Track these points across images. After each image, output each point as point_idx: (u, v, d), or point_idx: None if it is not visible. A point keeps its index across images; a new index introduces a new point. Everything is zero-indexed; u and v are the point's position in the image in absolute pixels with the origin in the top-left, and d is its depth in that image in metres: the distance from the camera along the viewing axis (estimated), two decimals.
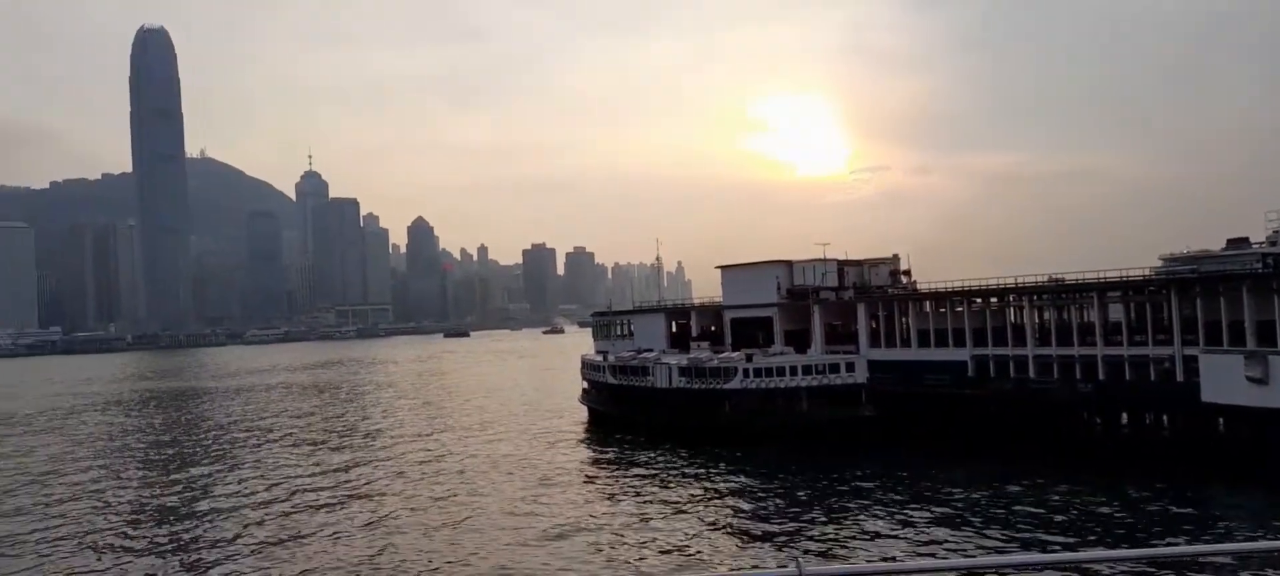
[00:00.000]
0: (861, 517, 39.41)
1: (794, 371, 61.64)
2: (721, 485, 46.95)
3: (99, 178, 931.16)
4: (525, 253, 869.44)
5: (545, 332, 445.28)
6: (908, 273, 75.91)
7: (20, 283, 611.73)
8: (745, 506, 42.68)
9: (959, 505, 40.39)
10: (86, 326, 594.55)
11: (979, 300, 61.29)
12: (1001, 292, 61.58)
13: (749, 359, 63.31)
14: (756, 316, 71.13)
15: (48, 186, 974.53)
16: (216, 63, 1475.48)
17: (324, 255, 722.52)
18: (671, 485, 47.24)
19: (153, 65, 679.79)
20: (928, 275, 74.66)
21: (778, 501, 43.27)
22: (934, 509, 39.95)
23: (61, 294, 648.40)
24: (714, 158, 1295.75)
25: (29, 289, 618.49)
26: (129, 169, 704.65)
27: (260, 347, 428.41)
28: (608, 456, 58.06)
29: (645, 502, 43.57)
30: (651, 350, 73.24)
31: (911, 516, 38.96)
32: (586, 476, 51.50)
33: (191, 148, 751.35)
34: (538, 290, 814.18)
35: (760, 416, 60.62)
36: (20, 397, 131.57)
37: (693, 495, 44.82)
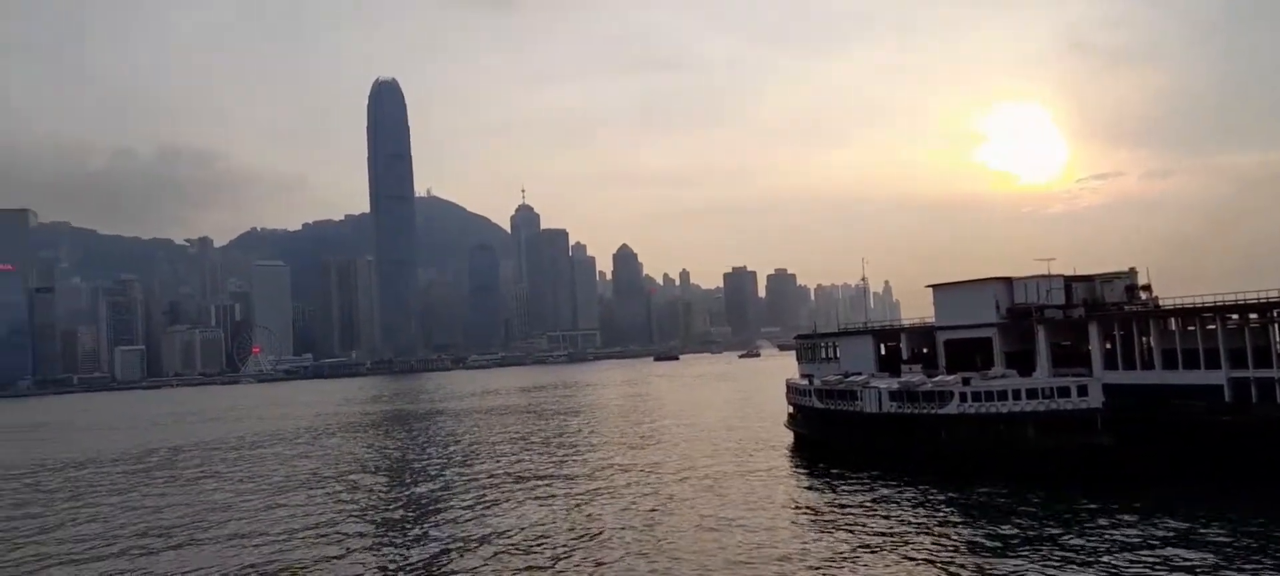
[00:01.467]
0: (1112, 558, 35.59)
1: (1018, 395, 57.27)
2: (937, 518, 44.25)
3: (342, 218, 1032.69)
4: (726, 276, 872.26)
5: (741, 356, 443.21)
6: (1147, 287, 68.80)
7: (279, 314, 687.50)
8: (965, 542, 39.82)
9: (1228, 551, 35.59)
10: (332, 353, 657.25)
11: (1236, 317, 54.38)
12: (1265, 308, 54.34)
13: (966, 382, 59.58)
14: (973, 337, 66.97)
15: (300, 228, 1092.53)
16: (439, 107, 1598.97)
17: (537, 284, 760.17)
18: (881, 515, 45.10)
19: (386, 114, 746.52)
20: (1170, 290, 67.40)
21: (1004, 538, 40.03)
22: (1198, 552, 35.48)
23: (311, 323, 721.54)
24: (921, 171, 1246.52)
25: (286, 320, 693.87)
26: (367, 209, 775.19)
27: (481, 372, 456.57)
28: (813, 483, 56.50)
29: (852, 532, 41.81)
30: (859, 373, 70.73)
31: (1172, 558, 34.72)
32: (794, 503, 50.28)
33: (419, 187, 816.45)
34: (739, 313, 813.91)
35: (980, 444, 56.78)
36: (293, 416, 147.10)
37: (903, 527, 42.50)
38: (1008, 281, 68.32)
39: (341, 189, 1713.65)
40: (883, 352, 76.00)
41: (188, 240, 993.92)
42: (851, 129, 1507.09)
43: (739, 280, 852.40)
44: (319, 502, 55.08)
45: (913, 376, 65.02)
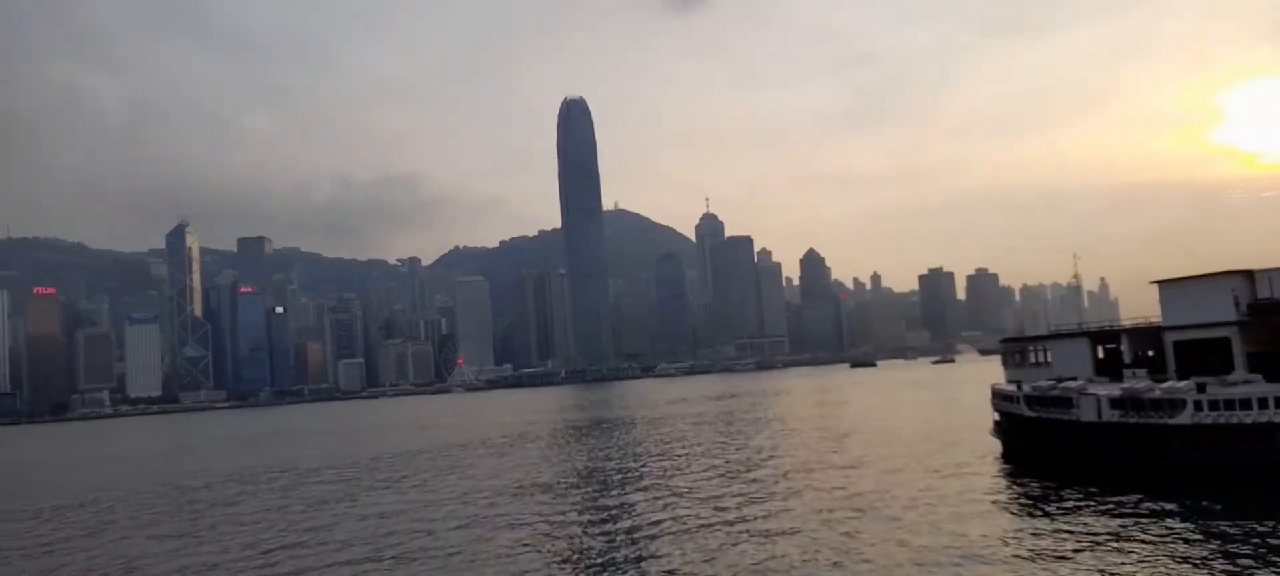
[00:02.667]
0: None
1: (1265, 404, 50.79)
2: (1174, 543, 39.84)
3: (536, 234, 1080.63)
4: (921, 278, 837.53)
5: (934, 362, 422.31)
6: None
7: (481, 327, 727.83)
8: (1212, 572, 35.58)
9: None
10: (530, 363, 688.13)
11: None
12: None
13: (1202, 388, 53.46)
14: (1208, 338, 60.06)
15: (498, 244, 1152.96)
16: (625, 121, 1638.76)
17: (722, 292, 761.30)
18: (1103, 538, 41.18)
19: (574, 131, 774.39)
20: None
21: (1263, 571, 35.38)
22: None
23: (511, 335, 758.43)
24: (1141, 159, 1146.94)
25: (487, 332, 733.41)
26: (559, 224, 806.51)
27: (669, 380, 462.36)
28: (1023, 497, 52.55)
29: (1067, 559, 38.38)
30: (1074, 379, 65.21)
31: None
32: (1008, 513, 46.96)
33: (607, 201, 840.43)
34: (936, 317, 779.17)
35: (1221, 457, 50.77)
36: (497, 423, 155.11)
37: (1131, 551, 38.56)
38: (1249, 275, 60.91)
39: (535, 205, 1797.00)
40: (1100, 356, 69.70)
41: (399, 260, 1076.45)
42: (1059, 116, 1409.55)
43: (936, 282, 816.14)
44: (535, 509, 57.08)
45: (1137, 382, 59.23)
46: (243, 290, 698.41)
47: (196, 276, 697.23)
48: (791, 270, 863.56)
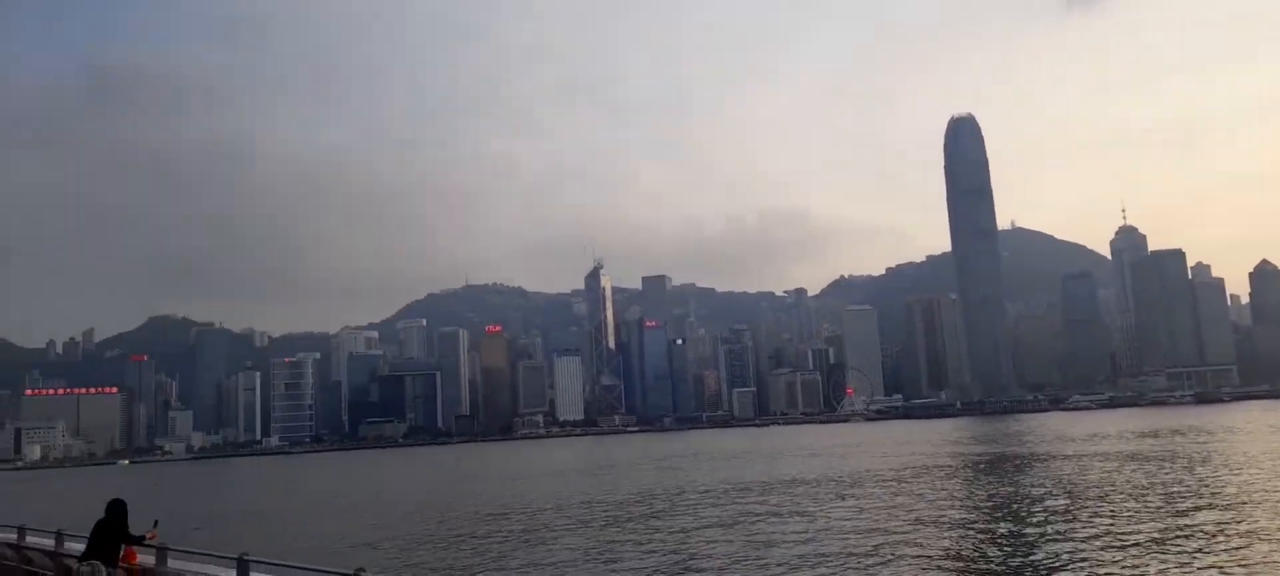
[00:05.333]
0: None
1: None
2: None
3: (923, 260, 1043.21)
4: None
5: None
6: None
7: (868, 356, 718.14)
8: None
9: None
10: (920, 393, 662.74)
11: None
12: None
13: None
14: None
15: (883, 272, 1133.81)
16: (1018, 134, 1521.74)
17: (1146, 314, 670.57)
18: None
19: (963, 150, 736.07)
20: None
21: None
22: None
23: (899, 364, 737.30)
24: None
25: (875, 361, 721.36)
26: (948, 248, 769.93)
27: (1083, 414, 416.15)
28: None
29: None
30: None
31: None
32: None
33: (1002, 220, 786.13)
34: None
35: None
36: (893, 455, 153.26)
37: None
38: None
39: (921, 230, 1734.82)
40: None
41: (786, 291, 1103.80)
42: None
43: None
44: (944, 546, 56.33)
45: None
46: (648, 324, 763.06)
47: (610, 313, 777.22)
48: (1237, 286, 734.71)
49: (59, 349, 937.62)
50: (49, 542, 23.80)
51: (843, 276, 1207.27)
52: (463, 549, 62.60)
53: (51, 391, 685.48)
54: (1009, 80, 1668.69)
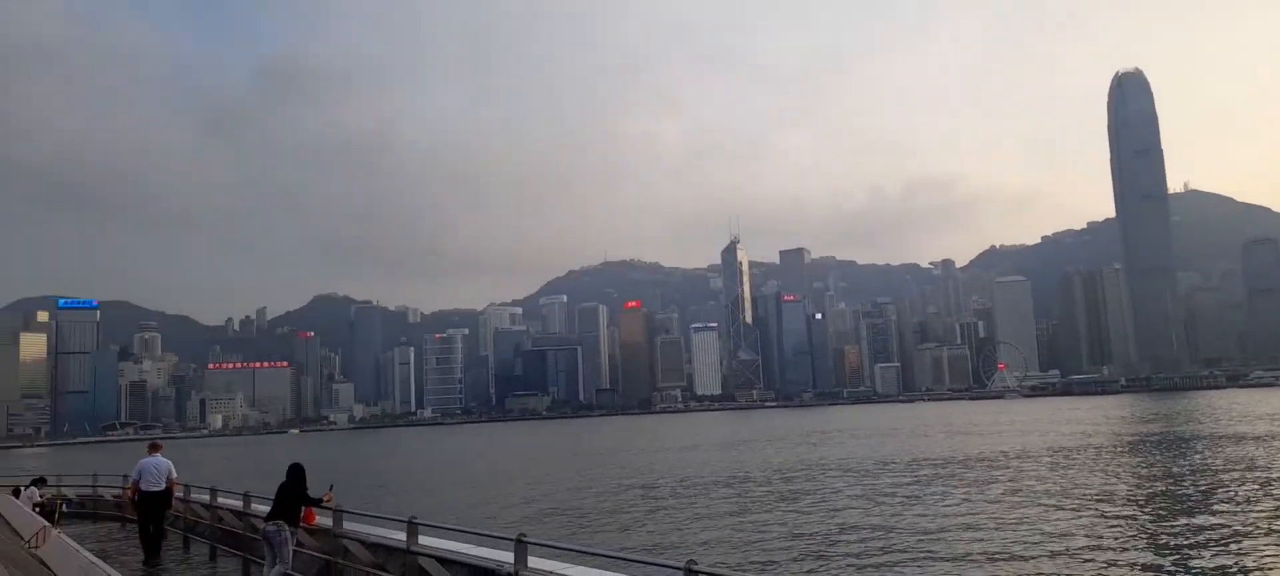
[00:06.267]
0: None
1: None
2: None
3: (1083, 227, 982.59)
4: None
5: None
6: None
7: (1022, 330, 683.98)
8: None
9: None
10: (1079, 368, 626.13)
11: None
12: None
13: None
14: None
15: (1038, 241, 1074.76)
16: (1193, 88, 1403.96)
17: None
18: None
19: (1130, 109, 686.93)
20: None
21: None
22: None
23: (1055, 338, 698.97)
24: None
25: (1029, 335, 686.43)
26: (1111, 214, 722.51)
27: (1268, 390, 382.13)
28: None
29: None
30: None
31: None
32: None
33: (1174, 182, 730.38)
34: None
35: None
36: (1051, 433, 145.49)
37: None
38: None
39: (1080, 196, 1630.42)
40: None
41: (932, 263, 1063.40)
42: None
43: None
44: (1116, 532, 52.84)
45: None
46: (786, 298, 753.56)
47: (747, 287, 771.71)
48: None
49: (236, 326, 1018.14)
50: (237, 503, 25.30)
51: (993, 246, 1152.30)
52: (618, 517, 63.50)
53: (230, 365, 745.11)
54: (1181, 29, 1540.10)
